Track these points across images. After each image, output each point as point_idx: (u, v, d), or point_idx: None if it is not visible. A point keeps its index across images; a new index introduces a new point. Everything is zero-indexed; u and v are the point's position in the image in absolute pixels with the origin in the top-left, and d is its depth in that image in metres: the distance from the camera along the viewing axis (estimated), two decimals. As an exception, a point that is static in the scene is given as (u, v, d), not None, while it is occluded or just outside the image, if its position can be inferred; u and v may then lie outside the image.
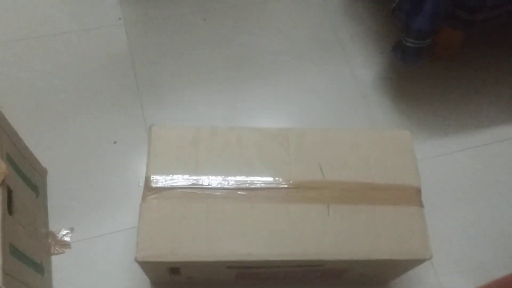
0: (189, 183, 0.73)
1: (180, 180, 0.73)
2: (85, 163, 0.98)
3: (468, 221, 0.97)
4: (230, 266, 0.73)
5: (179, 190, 0.72)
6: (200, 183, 0.73)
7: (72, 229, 0.91)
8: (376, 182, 0.75)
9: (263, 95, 1.09)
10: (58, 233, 0.90)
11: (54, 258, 0.88)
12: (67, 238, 0.90)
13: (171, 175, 0.73)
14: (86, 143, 1.00)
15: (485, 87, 1.13)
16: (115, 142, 1.00)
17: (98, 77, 1.08)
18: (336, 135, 0.79)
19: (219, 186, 0.73)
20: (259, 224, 0.71)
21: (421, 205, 0.75)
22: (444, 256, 0.93)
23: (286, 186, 0.74)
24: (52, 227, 0.91)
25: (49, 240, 0.89)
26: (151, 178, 0.73)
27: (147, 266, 0.73)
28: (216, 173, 0.74)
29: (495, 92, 1.12)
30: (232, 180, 0.74)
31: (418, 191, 0.76)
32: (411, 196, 0.75)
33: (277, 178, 0.74)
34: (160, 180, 0.73)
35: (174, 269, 0.75)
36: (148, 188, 0.72)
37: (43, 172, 0.94)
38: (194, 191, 0.72)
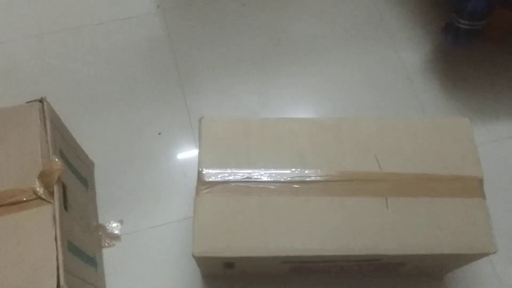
0: (242, 177, 0.71)
1: (233, 173, 0.71)
2: (131, 155, 0.97)
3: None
4: (286, 261, 0.72)
5: (232, 183, 0.71)
6: (253, 176, 0.71)
7: (121, 221, 0.91)
8: (435, 173, 0.72)
9: (306, 81, 1.06)
10: (107, 225, 0.90)
11: (104, 251, 0.89)
12: (116, 231, 0.90)
13: (223, 169, 0.72)
14: (131, 134, 0.99)
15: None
16: (159, 133, 0.99)
17: (139, 66, 1.07)
18: (391, 124, 0.76)
19: (272, 179, 0.71)
20: (314, 218, 0.69)
21: (483, 196, 0.71)
22: (502, 247, 0.90)
23: (341, 178, 0.72)
24: (102, 219, 0.91)
25: (100, 233, 0.89)
26: (204, 172, 0.71)
27: (203, 261, 0.73)
28: (268, 166, 0.72)
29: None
30: (285, 173, 0.72)
31: (480, 181, 0.72)
32: (473, 187, 0.72)
33: (331, 170, 0.72)
34: (213, 174, 0.71)
35: (228, 263, 0.75)
36: (202, 182, 0.71)
37: (90, 165, 0.94)
38: (248, 184, 0.71)
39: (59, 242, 0.64)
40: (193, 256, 0.68)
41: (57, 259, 0.63)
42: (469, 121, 0.77)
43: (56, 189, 0.67)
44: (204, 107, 1.02)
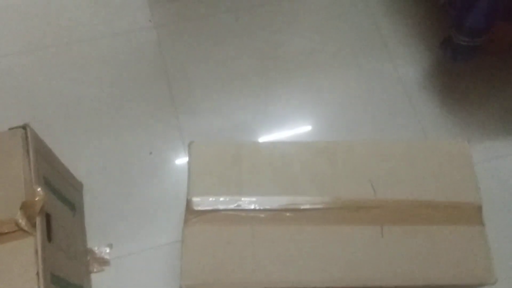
0: (233, 205, 0.69)
1: (223, 201, 0.69)
2: (121, 175, 0.95)
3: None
4: (279, 292, 0.69)
5: (222, 212, 0.69)
6: (244, 204, 0.69)
7: (110, 245, 0.89)
8: (432, 200, 0.70)
9: (300, 97, 1.04)
10: (97, 250, 0.88)
11: (93, 276, 0.86)
12: (106, 255, 0.88)
13: (213, 197, 0.69)
14: (121, 154, 0.97)
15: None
16: (150, 153, 0.97)
17: (130, 83, 1.05)
18: (387, 149, 0.74)
19: (264, 207, 0.69)
20: (307, 248, 0.67)
21: (482, 224, 0.69)
22: (502, 275, 0.87)
23: (335, 206, 0.69)
24: (90, 243, 0.89)
25: (88, 258, 0.87)
26: (193, 201, 0.69)
27: (192, 293, 0.70)
28: (260, 193, 0.70)
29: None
30: (277, 201, 0.69)
31: (479, 208, 0.70)
32: (472, 214, 0.69)
33: (325, 198, 0.70)
34: (202, 203, 0.69)
35: (219, 294, 0.72)
36: (190, 211, 0.68)
37: (79, 187, 0.92)
38: (238, 213, 0.69)
39: (41, 278, 0.61)
40: (181, 288, 0.65)
41: (39, 295, 0.60)
42: (467, 144, 0.74)
43: (39, 220, 0.65)
44: (197, 126, 1.00)
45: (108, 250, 0.88)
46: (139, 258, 0.88)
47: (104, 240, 0.89)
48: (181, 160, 0.96)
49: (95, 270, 0.86)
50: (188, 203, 0.69)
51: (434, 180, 0.71)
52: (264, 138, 0.99)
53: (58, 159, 0.83)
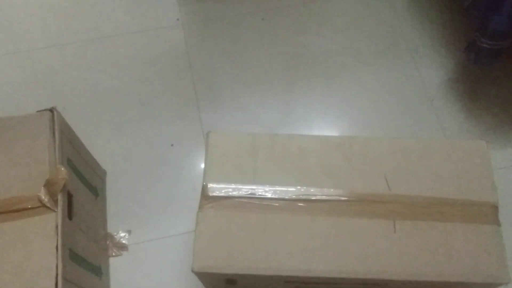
0: (247, 193, 0.70)
1: (238, 189, 0.70)
2: (143, 165, 0.98)
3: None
4: (288, 280, 0.70)
5: (237, 199, 0.70)
6: (258, 193, 0.70)
7: (129, 232, 0.91)
8: (447, 197, 0.70)
9: (322, 98, 1.05)
10: (116, 235, 0.90)
11: (111, 260, 0.89)
12: (124, 241, 0.90)
13: (228, 184, 0.71)
14: (144, 145, 1.00)
15: None
16: (172, 145, 0.99)
17: (156, 78, 1.08)
18: (403, 145, 0.74)
19: (277, 196, 0.70)
20: (319, 238, 0.67)
21: (498, 223, 0.68)
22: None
23: (349, 198, 0.70)
24: (110, 228, 0.92)
25: (107, 242, 0.89)
26: (208, 187, 0.71)
27: (203, 276, 0.71)
28: (274, 183, 0.71)
29: None
30: (291, 191, 0.70)
31: (495, 208, 0.69)
32: (487, 213, 0.69)
33: (339, 190, 0.70)
34: (217, 189, 0.71)
35: (230, 280, 0.73)
36: (205, 197, 0.70)
37: (102, 174, 0.95)
38: (252, 201, 0.70)
39: (59, 251, 0.64)
40: (192, 271, 0.67)
41: (57, 268, 0.63)
42: (485, 144, 0.73)
43: (61, 197, 0.67)
44: (219, 121, 1.02)
45: (127, 236, 0.91)
46: (156, 245, 0.90)
47: (123, 227, 0.92)
48: (201, 154, 0.98)
49: (113, 254, 0.89)
50: (204, 188, 0.71)
51: (450, 178, 0.71)
52: (284, 135, 1.00)
53: (83, 145, 0.86)
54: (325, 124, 1.02)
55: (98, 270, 0.81)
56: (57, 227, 0.66)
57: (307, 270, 0.66)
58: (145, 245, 0.90)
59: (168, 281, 0.87)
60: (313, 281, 0.70)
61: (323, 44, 1.11)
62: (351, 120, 1.02)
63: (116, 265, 0.88)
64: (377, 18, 1.13)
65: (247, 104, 1.04)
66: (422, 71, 1.06)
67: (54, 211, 0.66)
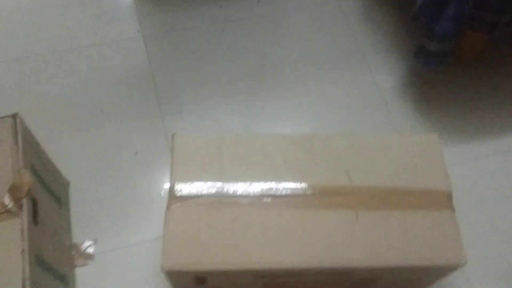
0: (214, 191, 0.72)
1: (205, 188, 0.72)
2: (107, 175, 0.98)
3: (501, 227, 0.94)
4: (258, 275, 0.71)
5: (204, 198, 0.71)
6: (225, 190, 0.72)
7: (95, 241, 0.90)
8: (405, 187, 0.73)
9: (283, 104, 1.08)
10: (81, 245, 0.89)
11: (77, 270, 0.87)
12: (90, 250, 0.89)
13: (195, 183, 0.72)
14: (107, 155, 1.00)
15: (507, 92, 1.10)
16: (136, 153, 1.00)
17: (118, 89, 1.08)
18: (362, 141, 0.78)
19: (244, 193, 0.72)
20: (286, 231, 0.69)
21: (452, 209, 0.72)
22: (477, 264, 0.90)
23: (313, 192, 0.72)
24: (75, 239, 0.90)
25: (73, 252, 0.88)
26: (175, 187, 0.72)
27: (173, 276, 0.72)
28: (241, 181, 0.73)
29: (521, 95, 1.10)
30: (257, 187, 0.72)
31: (449, 195, 0.73)
32: (442, 200, 0.73)
33: (303, 185, 0.73)
34: (185, 188, 0.72)
35: (200, 279, 0.74)
36: (173, 197, 0.71)
37: (65, 184, 0.94)
38: (219, 199, 0.71)
39: (26, 255, 0.63)
40: (162, 271, 0.67)
41: (23, 272, 0.62)
42: (437, 136, 0.78)
43: (25, 202, 0.67)
44: (182, 129, 1.03)
45: (92, 245, 0.90)
46: (122, 253, 0.90)
47: (89, 236, 0.91)
48: (166, 161, 0.98)
49: (79, 264, 0.87)
50: (171, 189, 0.72)
51: (406, 170, 0.75)
52: (247, 140, 1.03)
53: (46, 154, 0.85)
54: (286, 128, 1.05)
55: (65, 279, 0.80)
56: (22, 232, 0.65)
57: (275, 263, 0.68)
58: (111, 254, 0.89)
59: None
60: (282, 274, 0.71)
61: (281, 53, 1.15)
62: (311, 123, 1.06)
63: (83, 275, 0.87)
64: (332, 27, 1.19)
65: (211, 111, 1.06)
66: (376, 77, 1.12)
67: (19, 216, 0.66)
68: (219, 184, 0.72)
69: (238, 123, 1.05)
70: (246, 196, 0.72)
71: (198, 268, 0.67)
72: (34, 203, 0.71)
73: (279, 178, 0.73)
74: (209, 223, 0.70)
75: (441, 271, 0.74)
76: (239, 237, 0.69)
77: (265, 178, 0.73)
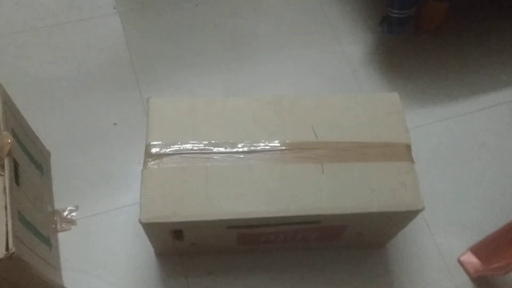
0: (188, 148, 0.76)
1: (179, 146, 0.76)
2: (87, 145, 1.01)
3: (460, 184, 1.00)
4: (231, 225, 0.76)
5: (178, 155, 0.75)
6: (199, 148, 0.76)
7: (77, 207, 0.94)
8: (367, 141, 0.78)
9: (257, 74, 1.12)
10: (63, 211, 0.93)
11: (60, 236, 0.91)
12: (72, 216, 0.93)
13: (170, 142, 0.76)
14: (87, 126, 1.03)
15: (468, 59, 1.16)
16: (115, 124, 1.03)
17: (96, 64, 1.11)
18: (327, 100, 0.82)
19: (217, 150, 0.76)
20: (256, 184, 0.74)
21: (411, 160, 0.78)
22: (439, 218, 0.96)
23: (281, 147, 0.77)
24: (57, 206, 0.94)
25: (55, 218, 0.91)
26: (151, 145, 0.76)
27: (151, 229, 0.76)
28: (213, 139, 0.77)
29: (479, 62, 1.15)
30: (229, 144, 0.77)
31: (408, 147, 0.78)
32: (402, 152, 0.78)
33: (272, 141, 0.77)
34: (160, 147, 0.76)
35: (177, 233, 0.78)
36: (149, 155, 0.75)
37: (46, 154, 0.97)
38: (193, 155, 0.75)
39: (8, 210, 0.66)
40: (140, 222, 0.71)
41: (7, 225, 0.65)
42: (397, 95, 0.83)
43: (7, 162, 0.70)
44: (159, 100, 1.07)
45: (74, 211, 0.93)
46: (104, 218, 0.93)
47: (71, 203, 0.94)
48: (143, 131, 1.02)
49: (61, 229, 0.91)
50: (147, 147, 0.76)
51: (368, 125, 0.80)
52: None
53: (26, 122, 0.88)
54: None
55: (47, 241, 0.83)
56: (4, 189, 0.68)
57: (246, 213, 0.72)
58: (93, 219, 0.93)
59: (117, 251, 0.91)
60: (253, 224, 0.76)
61: (254, 26, 1.19)
62: (283, 91, 1.10)
63: (65, 240, 0.91)
64: (302, 2, 1.23)
65: (187, 83, 1.10)
66: (344, 47, 1.16)
67: (1, 175, 0.69)
68: (192, 142, 0.76)
69: (213, 94, 1.09)
70: (219, 153, 0.76)
71: (174, 220, 0.71)
72: (16, 165, 0.74)
73: (250, 136, 0.78)
74: (184, 178, 0.74)
75: (402, 218, 0.80)
76: (212, 190, 0.73)
77: (237, 136, 0.77)
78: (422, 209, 0.74)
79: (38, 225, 0.79)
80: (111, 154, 1.00)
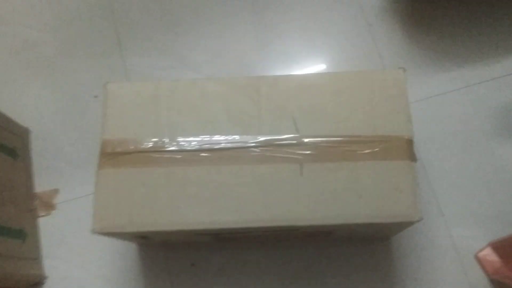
0: (149, 146, 0.67)
1: (138, 143, 0.67)
2: (67, 120, 0.94)
3: (483, 166, 0.85)
4: (197, 233, 0.68)
5: (138, 154, 0.66)
6: (160, 145, 0.66)
7: (57, 191, 0.89)
8: (359, 134, 0.65)
9: (257, 33, 0.98)
10: (42, 194, 0.88)
11: (40, 221, 0.87)
12: (52, 200, 0.88)
13: (128, 138, 0.67)
14: (67, 98, 0.95)
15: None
16: (96, 96, 0.95)
17: (76, 27, 1.01)
18: (314, 82, 0.69)
19: (180, 148, 0.66)
20: (224, 188, 0.64)
21: (412, 158, 0.64)
22: (456, 206, 0.83)
23: (255, 144, 0.66)
24: (38, 188, 0.89)
25: (35, 202, 0.87)
26: (107, 143, 0.67)
27: (109, 236, 0.70)
28: (177, 134, 0.67)
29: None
30: (194, 141, 0.66)
31: (409, 142, 0.65)
32: (401, 148, 0.65)
33: (245, 136, 0.66)
34: (117, 144, 0.67)
35: (140, 236, 0.71)
36: (104, 154, 0.67)
37: (24, 133, 0.91)
38: (153, 154, 0.66)
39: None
40: (92, 232, 0.65)
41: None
42: (403, 72, 0.68)
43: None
44: (144, 68, 0.96)
45: (55, 195, 0.88)
46: (86, 202, 0.87)
47: (51, 185, 0.89)
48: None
49: (42, 214, 0.87)
50: (102, 145, 0.67)
51: (362, 113, 0.66)
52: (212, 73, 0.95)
53: (-8, 107, 0.82)
54: (259, 63, 0.96)
55: (20, 234, 0.79)
56: None
57: (212, 223, 0.63)
58: (74, 202, 0.88)
59: (99, 238, 0.86)
60: (222, 232, 0.68)
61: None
62: (286, 51, 0.96)
63: (46, 225, 0.87)
64: None
65: (174, 46, 0.98)
66: (360, -5, 0.98)
67: None
68: (153, 138, 0.67)
69: (203, 59, 0.97)
70: (182, 152, 0.66)
71: (130, 230, 0.64)
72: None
73: (218, 130, 0.67)
74: (143, 181, 0.65)
75: (396, 227, 0.68)
76: (173, 196, 0.64)
77: (203, 131, 0.67)
78: (419, 220, 0.62)
79: (6, 221, 0.75)
80: (93, 130, 0.92)
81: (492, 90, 0.89)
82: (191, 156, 0.66)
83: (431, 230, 0.83)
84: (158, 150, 0.66)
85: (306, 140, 0.65)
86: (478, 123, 0.88)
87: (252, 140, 0.66)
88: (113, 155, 0.66)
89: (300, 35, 0.97)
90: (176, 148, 0.66)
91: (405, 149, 0.65)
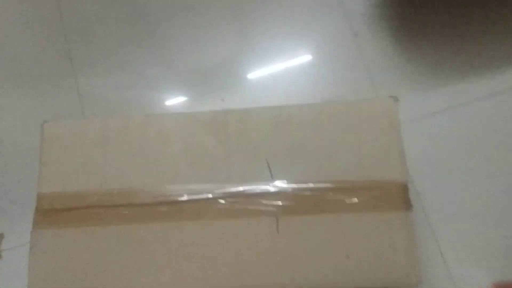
0: (94, 200, 0.55)
1: (81, 197, 0.55)
2: (13, 152, 0.82)
3: (487, 195, 0.76)
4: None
5: (80, 210, 0.55)
6: (108, 199, 0.55)
7: (2, 236, 0.78)
8: (344, 179, 0.55)
9: (231, 40, 0.86)
10: (-16, 242, 0.77)
11: (-17, 272, 0.76)
12: (-4, 247, 0.77)
13: (69, 191, 0.56)
14: (12, 127, 0.83)
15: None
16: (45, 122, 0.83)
17: (24, 44, 0.88)
18: (292, 115, 0.58)
19: (132, 202, 0.55)
20: (185, 249, 0.54)
21: (407, 207, 0.54)
22: (457, 242, 0.74)
23: (222, 195, 0.55)
24: (-20, 234, 0.78)
25: (-24, 252, 0.76)
26: (43, 197, 0.56)
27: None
28: (128, 184, 0.56)
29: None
30: (149, 193, 0.55)
31: (404, 188, 0.55)
32: (394, 195, 0.54)
33: (210, 184, 0.55)
34: (55, 199, 0.56)
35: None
36: (40, 211, 0.56)
37: (-39, 170, 0.79)
38: (100, 211, 0.55)
39: None
40: (27, 309, 0.54)
41: None
42: (394, 102, 0.57)
43: None
44: (99, 88, 0.84)
45: (-1, 241, 0.77)
46: (34, 248, 0.77)
47: (-5, 230, 0.78)
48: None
49: (-16, 265, 0.76)
50: (38, 200, 0.56)
51: (348, 153, 0.56)
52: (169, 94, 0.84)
53: None
54: (228, 68, 0.84)
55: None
56: None
57: (172, 292, 0.53)
58: (20, 250, 0.77)
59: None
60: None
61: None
62: (262, 59, 0.85)
63: (-10, 276, 0.76)
64: None
65: (131, 61, 0.86)
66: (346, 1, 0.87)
67: None
68: (99, 191, 0.56)
69: (170, 75, 0.85)
70: (135, 206, 0.55)
71: (71, 305, 0.53)
72: None
73: (178, 178, 0.56)
74: (87, 243, 0.54)
75: None
76: (123, 261, 0.54)
77: (161, 180, 0.56)
78: (417, 283, 0.52)
79: None
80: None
81: (495, 106, 0.79)
82: (146, 211, 0.55)
83: (428, 269, 0.73)
84: (105, 205, 0.55)
85: (282, 187, 0.55)
86: (478, 144, 0.78)
87: (219, 189, 0.55)
88: (51, 212, 0.55)
89: (274, 39, 0.86)
90: (128, 202, 0.55)
91: (399, 196, 0.54)
